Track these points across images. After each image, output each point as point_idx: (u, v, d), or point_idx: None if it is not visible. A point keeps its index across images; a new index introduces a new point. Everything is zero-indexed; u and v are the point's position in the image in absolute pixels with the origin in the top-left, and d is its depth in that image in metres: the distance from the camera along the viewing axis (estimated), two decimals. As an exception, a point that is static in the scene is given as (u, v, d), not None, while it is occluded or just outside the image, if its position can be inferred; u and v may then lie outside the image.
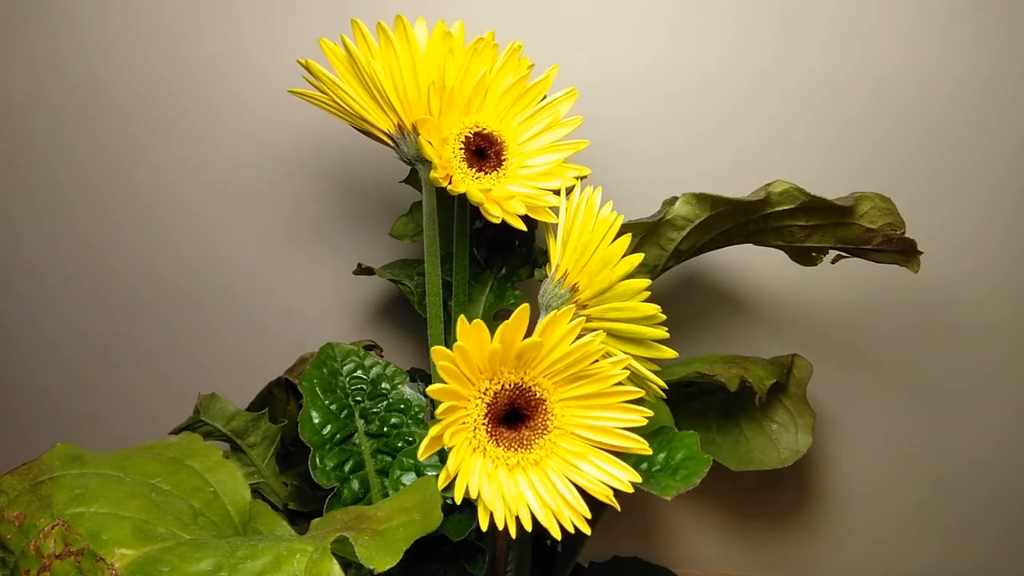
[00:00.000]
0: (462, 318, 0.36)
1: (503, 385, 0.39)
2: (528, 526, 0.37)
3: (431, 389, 0.37)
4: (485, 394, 0.39)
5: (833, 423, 0.67)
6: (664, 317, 0.45)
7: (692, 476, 0.41)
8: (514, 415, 0.39)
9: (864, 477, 0.68)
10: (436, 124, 0.45)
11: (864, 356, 0.66)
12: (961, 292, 0.64)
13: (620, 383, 0.40)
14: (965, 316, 0.64)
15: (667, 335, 0.45)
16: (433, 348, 0.37)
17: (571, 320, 0.38)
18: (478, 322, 0.36)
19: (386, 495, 0.47)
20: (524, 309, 0.37)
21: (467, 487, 0.37)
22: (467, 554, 0.44)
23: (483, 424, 0.39)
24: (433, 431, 0.37)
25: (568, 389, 0.40)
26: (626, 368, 0.40)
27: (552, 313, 0.38)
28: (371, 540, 0.34)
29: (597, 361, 0.40)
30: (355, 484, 0.48)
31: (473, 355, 0.37)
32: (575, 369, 0.39)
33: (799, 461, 0.55)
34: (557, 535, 0.37)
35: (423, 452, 0.37)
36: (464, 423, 0.38)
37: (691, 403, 0.57)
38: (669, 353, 0.46)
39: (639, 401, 0.41)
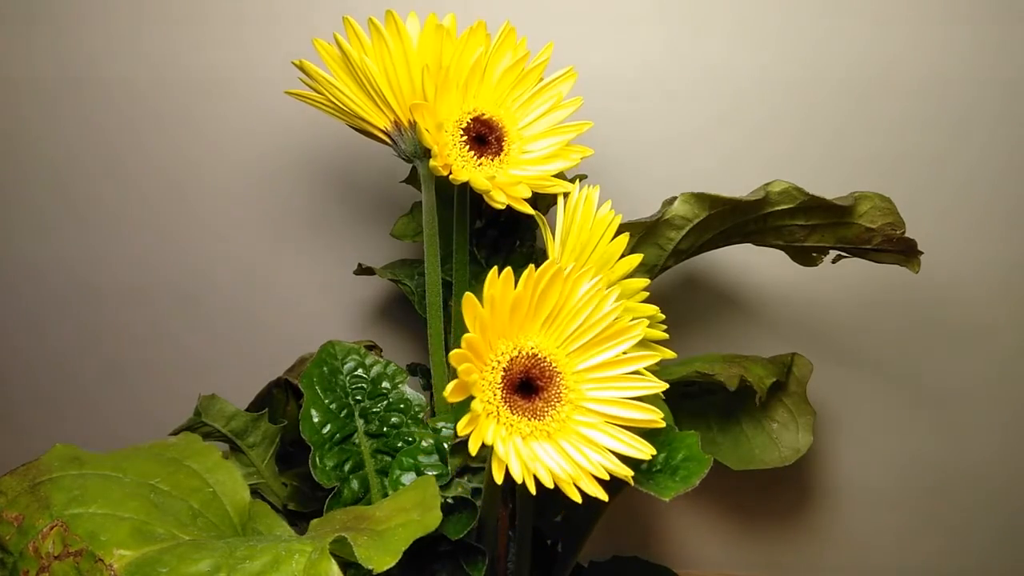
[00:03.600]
0: (493, 269, 0.37)
1: (520, 351, 0.39)
2: (548, 483, 0.37)
3: (465, 336, 0.37)
4: (502, 357, 0.39)
5: (833, 422, 0.67)
6: (663, 317, 0.45)
7: (692, 477, 0.41)
8: (528, 386, 0.40)
9: (864, 476, 0.68)
10: (432, 109, 0.44)
11: (864, 355, 0.66)
12: (961, 291, 0.64)
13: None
14: (965, 315, 0.64)
15: (666, 336, 0.45)
16: (465, 295, 0.37)
17: (589, 280, 0.39)
18: (508, 271, 0.37)
19: (386, 495, 0.47)
20: (550, 262, 0.38)
21: (484, 436, 0.37)
22: (467, 554, 0.44)
23: (499, 388, 0.39)
24: (461, 372, 0.37)
25: (583, 357, 0.40)
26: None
27: (574, 265, 0.39)
28: (370, 540, 0.34)
29: (619, 318, 0.40)
30: (355, 484, 0.47)
31: (499, 305, 0.38)
32: (596, 329, 0.40)
33: (800, 460, 0.55)
34: (577, 498, 0.37)
35: (450, 393, 0.37)
36: (481, 385, 0.38)
37: (691, 402, 0.57)
38: (668, 354, 0.46)
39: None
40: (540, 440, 0.39)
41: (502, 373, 0.39)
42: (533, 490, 0.37)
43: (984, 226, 0.62)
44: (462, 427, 0.37)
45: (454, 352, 0.37)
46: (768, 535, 0.70)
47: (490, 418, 0.38)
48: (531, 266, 0.38)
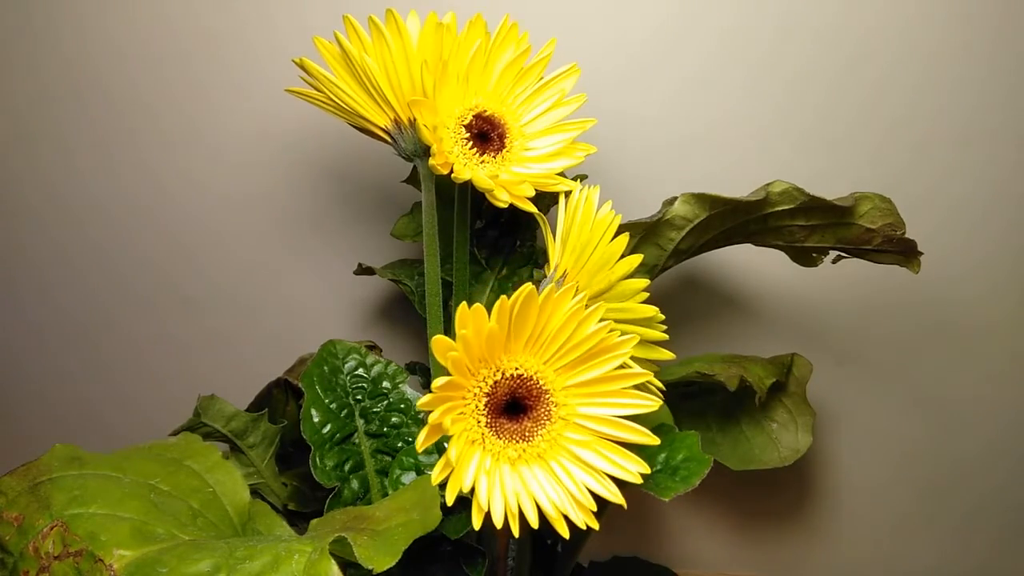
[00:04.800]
0: (463, 304, 0.35)
1: (503, 374, 0.37)
2: (534, 522, 0.35)
3: (435, 384, 0.35)
4: (484, 382, 0.37)
5: (833, 422, 0.67)
6: (663, 318, 0.45)
7: (692, 477, 0.41)
8: (515, 406, 0.38)
9: (864, 476, 0.68)
10: (432, 105, 0.43)
11: (864, 356, 0.66)
12: (961, 292, 0.64)
13: (624, 366, 0.39)
14: (965, 316, 0.64)
15: (666, 337, 0.45)
16: (435, 338, 0.35)
17: (573, 299, 0.37)
18: (477, 306, 0.35)
19: (386, 495, 0.47)
20: (525, 287, 0.36)
21: (461, 483, 0.35)
22: (466, 555, 0.44)
23: (482, 415, 0.37)
24: (432, 418, 0.35)
25: (571, 374, 0.38)
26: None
27: (550, 287, 0.37)
28: (370, 540, 0.34)
29: (604, 338, 0.38)
30: (355, 484, 0.47)
31: (473, 342, 0.36)
32: (580, 350, 0.38)
33: (799, 460, 0.55)
34: (566, 533, 0.36)
35: (422, 443, 0.35)
36: (462, 413, 0.37)
37: (691, 403, 0.57)
38: (667, 355, 0.46)
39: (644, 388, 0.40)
40: (530, 464, 0.37)
41: (485, 399, 0.37)
42: (517, 532, 0.35)
43: (984, 226, 0.62)
44: (436, 475, 0.35)
45: (425, 399, 0.35)
46: (768, 535, 0.71)
47: (475, 446, 0.36)
48: (503, 297, 0.35)
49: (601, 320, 0.38)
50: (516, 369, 0.38)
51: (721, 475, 0.50)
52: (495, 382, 0.37)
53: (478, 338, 0.36)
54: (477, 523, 0.35)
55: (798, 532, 0.70)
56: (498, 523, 0.35)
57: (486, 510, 0.35)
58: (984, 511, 0.68)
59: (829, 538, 0.70)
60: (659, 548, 0.71)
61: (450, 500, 0.35)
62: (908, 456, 0.68)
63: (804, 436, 0.55)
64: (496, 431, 0.37)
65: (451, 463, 0.35)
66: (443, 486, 0.36)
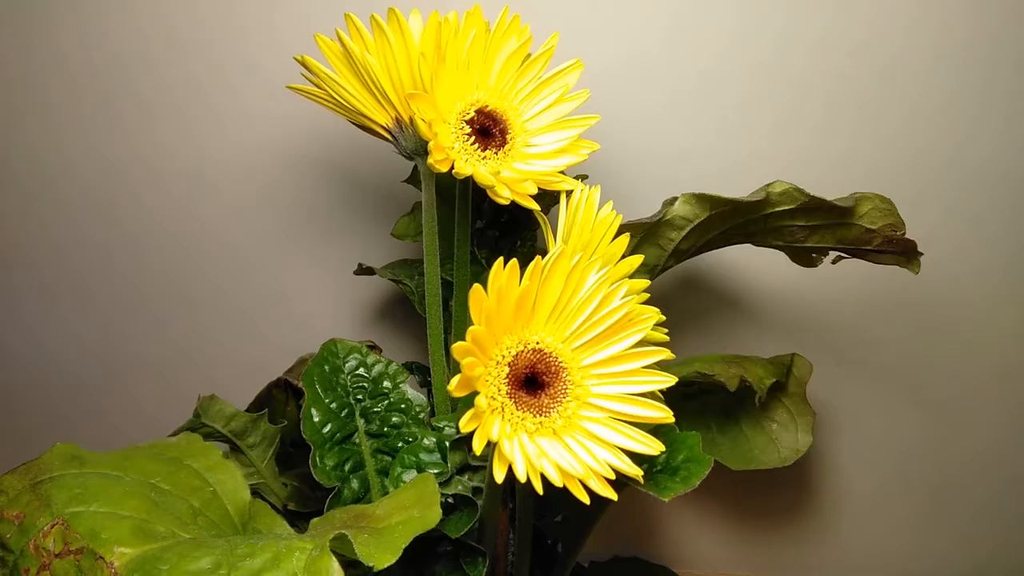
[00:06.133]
0: (499, 260, 0.36)
1: (525, 345, 0.39)
2: (557, 481, 0.36)
3: (471, 329, 0.36)
4: (508, 351, 0.38)
5: (833, 423, 0.67)
6: (663, 319, 0.45)
7: (692, 478, 0.41)
8: (533, 382, 0.39)
9: (864, 477, 0.68)
10: (431, 99, 0.43)
11: (864, 356, 0.66)
12: (961, 293, 0.64)
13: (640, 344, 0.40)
14: (965, 317, 0.64)
15: (667, 338, 0.45)
16: (474, 287, 0.36)
17: (596, 272, 0.39)
18: (513, 262, 0.36)
19: (386, 494, 0.47)
20: (556, 248, 0.38)
21: (489, 434, 0.36)
22: (467, 554, 0.44)
23: (504, 383, 0.38)
24: (464, 366, 0.36)
25: (589, 352, 0.40)
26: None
27: (581, 256, 0.38)
28: (370, 538, 0.34)
29: (630, 309, 0.39)
30: (355, 484, 0.47)
31: (505, 297, 0.37)
32: (603, 323, 0.39)
33: (799, 461, 0.55)
34: (585, 498, 0.36)
35: (455, 388, 0.36)
36: (486, 380, 0.38)
37: (691, 403, 0.57)
38: (667, 355, 0.46)
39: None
40: (547, 437, 0.38)
41: (507, 368, 0.38)
42: (540, 489, 0.36)
43: (984, 227, 0.62)
44: (465, 423, 0.36)
45: (458, 345, 0.36)
46: (767, 535, 0.71)
47: (495, 414, 0.38)
48: (537, 257, 0.37)
49: (620, 283, 0.40)
50: (537, 342, 0.39)
51: (721, 475, 0.50)
52: (517, 352, 0.39)
53: (509, 294, 0.37)
54: (499, 476, 0.36)
55: (798, 532, 0.70)
56: (521, 477, 0.36)
57: (510, 462, 0.36)
58: (985, 511, 0.68)
59: (829, 538, 0.70)
60: (659, 548, 0.71)
61: (478, 449, 0.36)
62: (908, 456, 0.68)
63: (804, 436, 0.55)
64: (516, 402, 0.38)
65: (481, 410, 0.36)
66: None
